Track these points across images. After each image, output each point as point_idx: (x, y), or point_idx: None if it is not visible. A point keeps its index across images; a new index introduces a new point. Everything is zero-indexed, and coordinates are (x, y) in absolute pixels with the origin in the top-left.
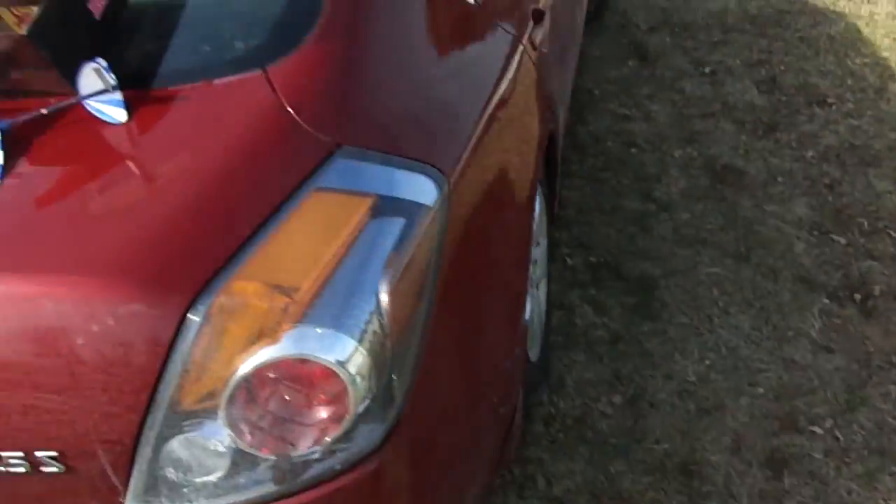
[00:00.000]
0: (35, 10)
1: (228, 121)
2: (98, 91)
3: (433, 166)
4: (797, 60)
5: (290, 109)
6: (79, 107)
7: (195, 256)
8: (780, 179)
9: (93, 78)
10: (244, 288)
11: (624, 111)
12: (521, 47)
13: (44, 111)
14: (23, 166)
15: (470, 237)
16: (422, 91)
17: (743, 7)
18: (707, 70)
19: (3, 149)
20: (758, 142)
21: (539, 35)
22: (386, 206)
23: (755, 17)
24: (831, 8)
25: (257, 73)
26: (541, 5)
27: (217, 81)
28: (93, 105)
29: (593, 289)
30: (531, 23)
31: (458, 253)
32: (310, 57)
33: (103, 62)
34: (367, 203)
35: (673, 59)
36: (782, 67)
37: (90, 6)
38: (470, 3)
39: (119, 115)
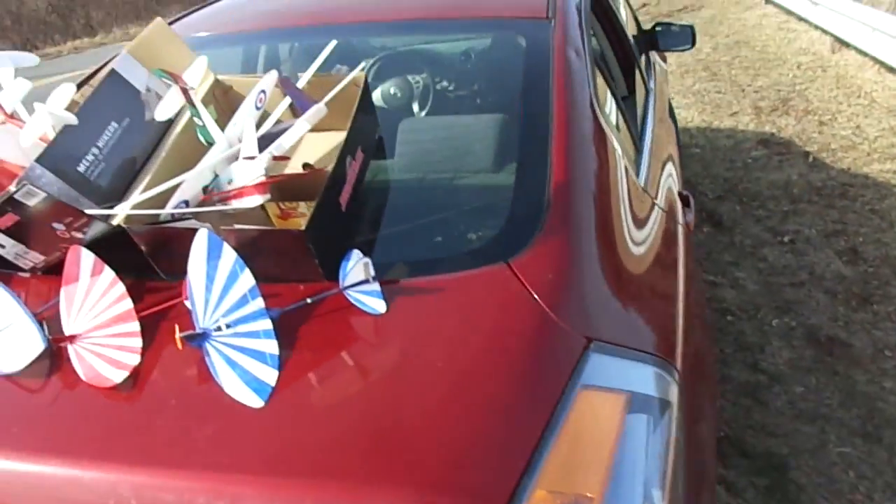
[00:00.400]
0: (301, 205)
1: (485, 314)
2: (358, 282)
3: (664, 359)
4: (874, 232)
5: (541, 303)
6: (339, 296)
7: (499, 465)
8: (888, 353)
9: (355, 269)
10: (545, 499)
11: (710, 278)
12: (680, 229)
13: (308, 300)
14: (298, 357)
15: (693, 425)
16: (634, 281)
17: (806, 179)
18: (785, 239)
19: (277, 338)
20: (855, 313)
21: (689, 216)
22: (638, 403)
23: (820, 189)
24: (892, 182)
25: (501, 265)
26: (681, 189)
27: (463, 273)
28: (353, 295)
29: (720, 466)
30: (681, 205)
31: (688, 442)
32: (547, 250)
33: (360, 254)
34: (623, 401)
35: (748, 226)
36: (860, 239)
37: (340, 199)
38: (647, 196)
39: (378, 305)
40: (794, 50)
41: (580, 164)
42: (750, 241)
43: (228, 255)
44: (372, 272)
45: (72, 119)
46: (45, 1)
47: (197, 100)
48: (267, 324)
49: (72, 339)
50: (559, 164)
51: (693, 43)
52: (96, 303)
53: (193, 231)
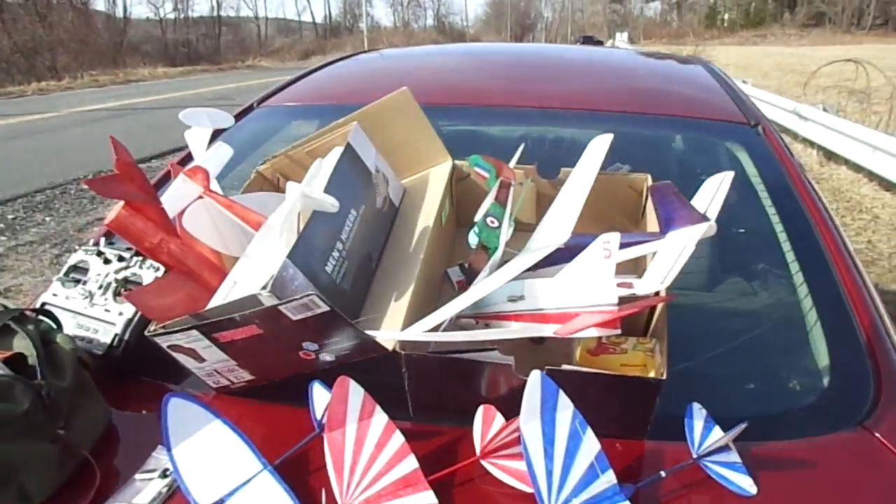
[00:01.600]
0: (629, 340)
1: (872, 499)
2: (715, 450)
3: None
4: None
5: None
6: (694, 467)
7: None
8: None
9: (716, 435)
10: None
11: None
12: None
13: (662, 473)
14: None
15: None
16: None
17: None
18: None
19: None
20: None
21: None
22: None
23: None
24: None
25: (860, 431)
26: None
27: (818, 440)
28: (713, 468)
29: None
30: None
31: None
32: None
33: (703, 410)
34: None
35: None
36: None
37: None
38: None
39: (746, 484)
40: None
41: (864, 291)
42: None
43: (566, 407)
44: (728, 438)
45: (332, 204)
46: (11, 40)
47: (512, 199)
48: None
49: None
50: (855, 295)
51: None
52: (373, 457)
53: (482, 364)
